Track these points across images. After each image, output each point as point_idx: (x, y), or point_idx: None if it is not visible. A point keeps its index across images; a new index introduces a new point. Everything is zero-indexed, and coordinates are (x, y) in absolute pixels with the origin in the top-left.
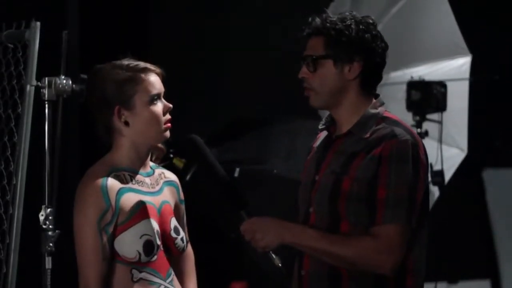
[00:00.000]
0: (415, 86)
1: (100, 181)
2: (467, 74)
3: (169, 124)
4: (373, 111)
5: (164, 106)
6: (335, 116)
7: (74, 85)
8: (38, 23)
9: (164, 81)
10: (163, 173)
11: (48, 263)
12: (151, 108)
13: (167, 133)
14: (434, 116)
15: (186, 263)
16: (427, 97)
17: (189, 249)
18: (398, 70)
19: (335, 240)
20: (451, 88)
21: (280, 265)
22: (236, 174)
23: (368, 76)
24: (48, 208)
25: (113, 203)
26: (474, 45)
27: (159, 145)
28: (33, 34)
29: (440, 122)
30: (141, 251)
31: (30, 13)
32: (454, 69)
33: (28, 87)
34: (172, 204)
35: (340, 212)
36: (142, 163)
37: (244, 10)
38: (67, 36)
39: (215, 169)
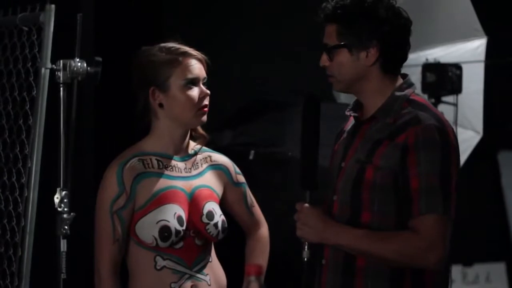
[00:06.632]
0: (430, 68)
1: (117, 165)
2: (482, 56)
3: (205, 109)
4: (399, 93)
5: (201, 92)
6: (361, 100)
7: (88, 68)
8: (53, 6)
9: (208, 68)
10: (209, 156)
11: (63, 245)
12: (186, 92)
13: (203, 118)
14: (449, 98)
15: (255, 244)
16: (442, 80)
17: (261, 231)
18: (413, 52)
19: (377, 239)
20: (466, 70)
21: (305, 259)
22: (251, 157)
23: (389, 58)
24: (63, 190)
25: (127, 188)
26: (489, 27)
27: (201, 131)
28: (47, 17)
29: (455, 105)
30: (156, 236)
31: None
32: (469, 51)
33: (43, 70)
34: (218, 188)
35: (363, 201)
36: (176, 148)
37: None
38: (82, 18)
39: (308, 138)
